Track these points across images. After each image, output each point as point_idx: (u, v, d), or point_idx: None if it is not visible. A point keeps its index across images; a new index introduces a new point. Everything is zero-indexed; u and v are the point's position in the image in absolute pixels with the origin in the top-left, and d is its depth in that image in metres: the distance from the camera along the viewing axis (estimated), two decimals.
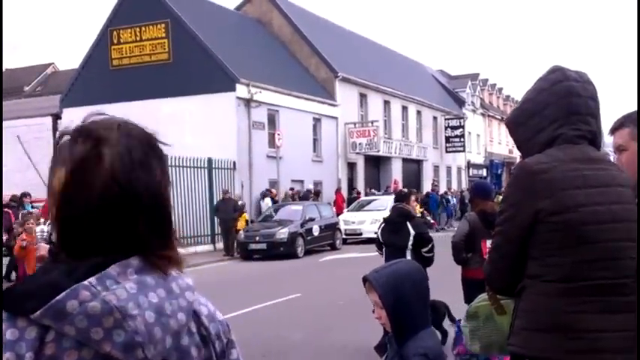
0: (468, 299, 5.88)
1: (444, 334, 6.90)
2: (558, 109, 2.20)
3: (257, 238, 18.05)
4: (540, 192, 2.10)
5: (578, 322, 2.06)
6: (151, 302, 1.00)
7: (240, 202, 19.96)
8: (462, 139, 41.74)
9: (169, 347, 1.02)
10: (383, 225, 7.11)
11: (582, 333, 2.05)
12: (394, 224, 6.92)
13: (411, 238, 6.72)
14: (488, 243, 5.77)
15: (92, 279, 0.97)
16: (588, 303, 2.06)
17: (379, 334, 7.12)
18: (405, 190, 7.59)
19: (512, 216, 2.17)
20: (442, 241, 8.20)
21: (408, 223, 6.81)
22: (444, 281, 6.74)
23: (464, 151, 42.66)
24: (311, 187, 25.73)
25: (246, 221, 19.91)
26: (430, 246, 6.81)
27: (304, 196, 23.49)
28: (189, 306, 1.08)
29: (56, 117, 25.84)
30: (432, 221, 27.08)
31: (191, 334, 1.09)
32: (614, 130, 2.58)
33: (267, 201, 22.19)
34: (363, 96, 32.61)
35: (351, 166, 31.37)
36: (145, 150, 1.11)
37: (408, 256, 6.66)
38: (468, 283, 6.00)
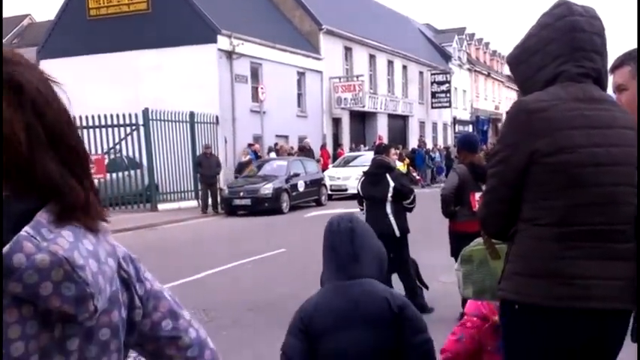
0: (455, 252, 5.76)
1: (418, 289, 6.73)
2: (562, 45, 2.10)
3: (241, 194, 17.76)
4: (537, 132, 2.01)
5: (570, 267, 1.99)
6: (89, 250, 0.93)
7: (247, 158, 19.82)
8: (448, 95, 41.41)
9: (109, 296, 0.97)
10: (362, 178, 6.87)
11: (574, 279, 1.98)
12: (373, 176, 6.68)
13: (391, 189, 6.50)
14: (477, 195, 5.66)
15: (27, 228, 0.89)
16: (582, 248, 1.99)
17: None
18: (384, 142, 7.30)
19: (508, 157, 2.08)
20: (429, 196, 7.98)
21: (388, 175, 6.57)
22: (432, 235, 6.59)
23: (450, 106, 42.38)
24: (309, 141, 25.33)
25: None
26: (412, 197, 6.62)
27: (303, 150, 23.24)
28: (114, 250, 1.01)
29: None
30: (417, 177, 26.92)
31: (115, 278, 1.02)
32: (614, 69, 2.47)
33: (273, 155, 21.81)
34: (348, 49, 31.97)
35: (336, 122, 30.96)
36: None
37: (388, 209, 6.50)
38: (456, 236, 5.88)
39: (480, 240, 2.71)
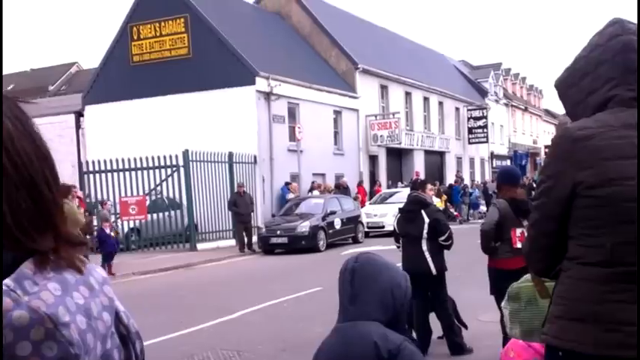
0: (495, 291, 5.72)
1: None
2: (613, 66, 1.96)
3: (278, 232, 17.95)
4: (581, 162, 1.88)
5: (617, 312, 1.82)
6: (78, 304, 0.83)
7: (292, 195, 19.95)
8: (485, 130, 41.20)
9: (99, 355, 0.86)
10: (398, 215, 6.77)
11: (622, 325, 1.82)
12: (409, 213, 6.55)
13: (426, 226, 6.34)
14: (518, 232, 5.65)
15: (7, 280, 0.79)
16: (631, 292, 1.81)
17: None
18: (421, 178, 7.28)
19: (550, 188, 1.97)
20: (466, 232, 7.97)
21: (423, 211, 6.42)
22: (471, 272, 6.52)
23: (487, 142, 42.12)
24: (346, 179, 25.63)
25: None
26: (448, 234, 6.44)
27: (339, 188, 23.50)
28: (112, 303, 0.91)
29: (79, 114, 26.02)
30: (455, 213, 26.77)
31: (112, 334, 0.91)
32: None
33: (316, 194, 22.11)
34: (383, 87, 32.31)
35: (373, 159, 31.12)
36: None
37: (424, 246, 6.38)
38: (496, 274, 5.71)
39: (528, 276, 2.56)
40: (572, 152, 1.90)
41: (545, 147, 45.18)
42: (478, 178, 40.30)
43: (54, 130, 25.42)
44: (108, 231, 14.25)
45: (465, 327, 6.76)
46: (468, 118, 41.46)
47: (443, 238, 6.41)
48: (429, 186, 7.09)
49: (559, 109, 70.94)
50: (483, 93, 45.53)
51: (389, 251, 6.92)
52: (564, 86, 2.10)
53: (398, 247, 6.77)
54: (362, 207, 22.98)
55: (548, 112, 61.06)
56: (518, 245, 5.49)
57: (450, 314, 6.57)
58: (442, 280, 6.52)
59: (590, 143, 1.88)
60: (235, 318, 9.04)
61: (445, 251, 6.60)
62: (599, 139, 1.87)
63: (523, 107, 53.79)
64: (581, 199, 1.88)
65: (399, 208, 6.89)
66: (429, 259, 6.34)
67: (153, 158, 19.47)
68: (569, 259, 1.94)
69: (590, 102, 1.99)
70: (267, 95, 23.25)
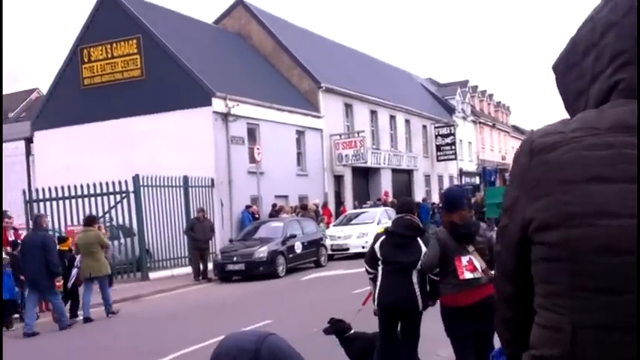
0: (449, 331, 5.00)
1: None
2: (623, 32, 1.23)
3: (235, 259, 17.10)
4: (534, 186, 1.23)
5: None
6: None
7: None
8: (453, 147, 40.96)
9: None
10: (383, 238, 5.73)
11: None
12: (401, 238, 5.64)
13: (422, 256, 5.47)
14: (464, 260, 4.78)
15: None
16: None
17: None
18: (412, 199, 6.33)
19: (504, 228, 1.33)
20: None
21: (419, 239, 5.59)
22: (431, 308, 5.71)
23: (455, 159, 41.88)
24: (317, 201, 24.96)
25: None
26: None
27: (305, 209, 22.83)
28: None
29: (29, 140, 25.07)
30: None
31: None
32: None
33: (285, 217, 21.31)
34: (348, 106, 31.78)
35: (338, 179, 30.46)
36: None
37: (414, 278, 5.50)
38: (446, 312, 4.99)
39: None
40: (526, 170, 1.25)
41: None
42: None
43: (6, 157, 24.42)
44: None
45: None
46: (436, 136, 41.19)
47: (436, 271, 5.50)
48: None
49: (527, 125, 71.51)
50: (451, 110, 45.39)
51: (352, 275, 6.24)
52: (562, 68, 1.37)
53: (371, 273, 5.83)
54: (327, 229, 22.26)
55: (516, 129, 61.34)
56: (467, 276, 4.80)
57: (417, 358, 5.80)
58: (420, 317, 5.71)
59: (552, 157, 1.21)
60: None
61: None
62: (565, 149, 1.20)
63: (491, 124, 53.88)
64: (535, 247, 1.23)
65: (387, 230, 5.91)
66: (418, 293, 5.51)
67: (101, 184, 18.57)
68: (527, 346, 1.27)
69: (591, 93, 1.28)
70: (225, 116, 22.49)
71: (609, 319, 1.11)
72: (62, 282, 11.56)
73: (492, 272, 4.56)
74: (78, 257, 12.17)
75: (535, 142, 1.25)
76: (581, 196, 1.16)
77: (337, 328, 6.06)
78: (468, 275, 4.78)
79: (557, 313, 1.18)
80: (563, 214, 1.17)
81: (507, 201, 1.30)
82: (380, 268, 5.68)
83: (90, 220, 12.97)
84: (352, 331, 6.05)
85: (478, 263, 4.81)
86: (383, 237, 5.75)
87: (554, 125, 1.27)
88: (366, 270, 5.87)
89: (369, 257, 5.84)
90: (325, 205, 26.32)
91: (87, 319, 11.67)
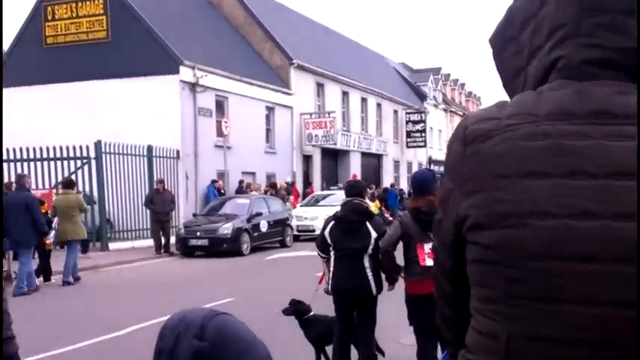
0: (412, 319, 4.90)
1: None
2: (563, 2, 1.09)
3: (198, 234, 16.46)
4: (466, 180, 1.10)
5: None
6: None
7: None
8: (424, 134, 40.76)
9: None
10: (332, 223, 5.53)
11: None
12: (349, 223, 5.42)
13: (372, 241, 5.30)
14: (427, 247, 4.75)
15: None
16: None
17: (308, 350, 5.94)
18: (359, 180, 5.96)
19: (439, 223, 1.21)
20: None
21: (368, 224, 5.38)
22: (395, 286, 5.43)
23: (425, 146, 41.71)
24: (289, 180, 24.46)
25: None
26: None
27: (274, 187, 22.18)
28: None
29: None
30: (389, 218, 25.81)
31: None
32: None
33: (254, 194, 20.68)
34: (320, 85, 31.14)
35: (307, 159, 29.90)
36: None
37: (366, 263, 5.30)
38: (408, 301, 4.92)
39: None
40: (461, 162, 1.12)
41: None
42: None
43: None
44: None
45: (383, 354, 5.76)
46: (407, 122, 40.91)
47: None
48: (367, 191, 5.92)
49: None
50: (422, 97, 45.16)
51: (317, 257, 5.91)
52: (499, 42, 1.22)
53: (324, 258, 5.62)
54: (294, 209, 21.74)
55: None
56: (428, 262, 4.62)
57: (373, 344, 5.53)
58: (375, 303, 5.50)
59: (485, 147, 1.08)
60: (122, 335, 7.68)
61: None
62: (499, 139, 1.07)
63: (462, 113, 53.94)
64: (469, 246, 1.12)
65: (335, 216, 5.62)
66: (371, 278, 5.34)
67: (61, 148, 17.69)
68: (462, 346, 1.18)
69: (529, 71, 1.15)
70: (193, 86, 21.64)
71: (543, 329, 1.03)
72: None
73: None
74: (55, 219, 12.06)
75: (468, 128, 1.13)
76: (515, 193, 1.05)
77: (297, 309, 5.86)
78: (429, 262, 4.63)
79: (494, 320, 1.09)
80: (496, 213, 1.06)
81: (441, 193, 1.20)
82: (332, 254, 5.54)
83: (69, 183, 13.03)
84: (312, 313, 5.81)
85: None
86: (332, 222, 5.55)
87: (489, 109, 1.14)
88: (319, 254, 5.76)
89: (319, 243, 5.68)
90: (293, 184, 25.76)
91: (76, 279, 12.00)
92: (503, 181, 1.06)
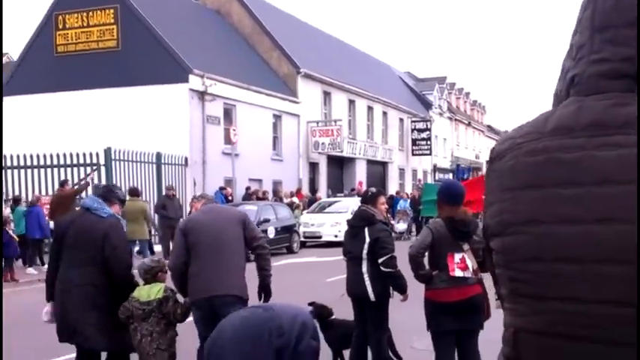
0: (431, 326, 4.84)
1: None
2: (583, 24, 1.20)
3: None
4: (487, 193, 1.28)
5: None
6: None
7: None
8: (429, 142, 40.92)
9: None
10: (346, 229, 5.89)
11: None
12: (352, 228, 5.71)
13: (366, 245, 5.41)
14: (457, 257, 4.77)
15: None
16: None
17: (325, 353, 6.05)
18: (374, 189, 6.07)
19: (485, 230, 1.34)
20: (405, 246, 6.75)
21: (366, 229, 5.47)
22: (408, 290, 5.49)
23: (430, 154, 41.86)
24: (293, 197, 24.54)
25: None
26: (386, 258, 5.31)
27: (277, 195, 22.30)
28: None
29: None
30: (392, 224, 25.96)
31: None
32: None
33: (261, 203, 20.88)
34: (326, 94, 31.41)
35: (313, 166, 30.14)
36: None
37: (364, 268, 5.41)
38: (429, 307, 4.85)
39: None
40: (487, 178, 1.30)
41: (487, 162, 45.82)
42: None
43: None
44: (11, 233, 13.48)
45: (400, 359, 5.85)
46: (412, 130, 41.11)
47: (380, 260, 5.34)
48: (382, 199, 5.81)
49: (501, 125, 71.99)
50: (427, 105, 45.37)
51: (324, 263, 6.04)
52: (563, 70, 1.28)
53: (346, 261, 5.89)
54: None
55: (490, 129, 61.71)
56: (457, 274, 4.68)
57: (384, 347, 5.58)
58: (381, 308, 5.52)
59: (499, 165, 1.23)
60: None
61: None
62: (510, 156, 1.21)
63: (466, 122, 54.08)
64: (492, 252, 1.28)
65: (347, 221, 5.98)
66: (368, 283, 5.42)
67: (71, 155, 17.94)
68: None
69: (560, 90, 1.24)
70: (202, 95, 21.94)
71: (536, 324, 1.15)
72: None
73: (482, 273, 4.66)
74: (123, 222, 13.19)
75: (495, 149, 1.27)
76: (515, 204, 1.17)
77: (320, 311, 5.94)
78: (458, 273, 4.69)
79: (508, 315, 1.24)
80: (502, 222, 1.20)
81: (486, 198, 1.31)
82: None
83: (135, 191, 14.43)
84: (333, 317, 5.98)
85: (470, 262, 4.73)
86: (347, 228, 5.91)
87: (513, 130, 1.26)
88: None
89: (343, 247, 6.00)
90: (299, 191, 25.98)
91: None
92: (508, 194, 1.19)
